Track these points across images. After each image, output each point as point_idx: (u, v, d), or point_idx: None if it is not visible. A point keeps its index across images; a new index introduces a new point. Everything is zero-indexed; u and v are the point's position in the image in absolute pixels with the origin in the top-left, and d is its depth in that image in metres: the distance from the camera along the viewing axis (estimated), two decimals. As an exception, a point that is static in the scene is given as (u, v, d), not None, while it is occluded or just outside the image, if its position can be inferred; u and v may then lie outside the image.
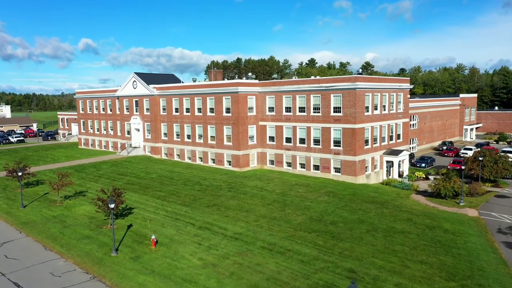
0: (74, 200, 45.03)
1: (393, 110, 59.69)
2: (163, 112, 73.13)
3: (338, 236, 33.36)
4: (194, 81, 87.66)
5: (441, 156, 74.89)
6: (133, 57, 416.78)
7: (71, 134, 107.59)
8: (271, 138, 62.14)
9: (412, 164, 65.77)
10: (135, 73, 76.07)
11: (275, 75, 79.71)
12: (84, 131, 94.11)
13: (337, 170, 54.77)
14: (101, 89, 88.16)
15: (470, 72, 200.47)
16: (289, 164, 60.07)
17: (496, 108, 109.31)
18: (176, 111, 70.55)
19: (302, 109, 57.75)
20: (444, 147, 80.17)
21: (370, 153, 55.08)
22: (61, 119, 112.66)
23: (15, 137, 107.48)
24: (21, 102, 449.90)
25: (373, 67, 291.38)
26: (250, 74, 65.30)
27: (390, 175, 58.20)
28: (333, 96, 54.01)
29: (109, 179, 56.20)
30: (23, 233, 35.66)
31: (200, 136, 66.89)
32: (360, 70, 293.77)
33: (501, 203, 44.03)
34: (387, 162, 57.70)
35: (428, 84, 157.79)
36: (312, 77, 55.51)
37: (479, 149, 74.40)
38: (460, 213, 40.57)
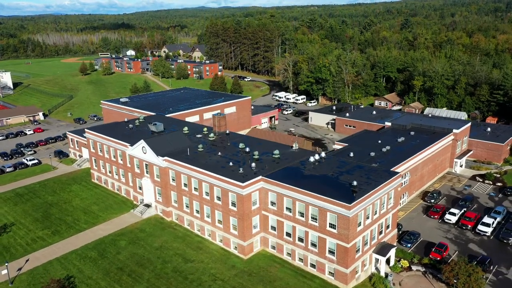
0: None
1: (384, 209, 65.69)
2: (172, 182, 78.72)
3: None
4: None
5: (427, 216, 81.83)
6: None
7: (82, 157, 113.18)
8: (273, 228, 68.79)
9: (398, 241, 73.04)
10: (144, 141, 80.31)
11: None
12: (96, 168, 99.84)
13: (331, 273, 62.41)
14: (111, 139, 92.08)
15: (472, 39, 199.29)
16: (289, 254, 67.52)
17: (489, 129, 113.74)
18: (185, 186, 76.17)
19: (301, 214, 63.79)
20: (432, 201, 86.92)
21: (360, 259, 62.29)
22: (71, 139, 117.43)
23: (30, 159, 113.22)
24: (16, 47, 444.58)
25: (375, 24, 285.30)
26: (253, 164, 70.61)
27: (378, 263, 65.83)
28: (329, 214, 59.87)
29: (131, 277, 64.08)
30: None
31: (208, 216, 73.41)
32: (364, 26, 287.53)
33: (466, 337, 52.55)
34: (376, 258, 65.17)
35: (427, 75, 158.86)
36: (312, 192, 60.74)
37: (463, 210, 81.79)
38: None
